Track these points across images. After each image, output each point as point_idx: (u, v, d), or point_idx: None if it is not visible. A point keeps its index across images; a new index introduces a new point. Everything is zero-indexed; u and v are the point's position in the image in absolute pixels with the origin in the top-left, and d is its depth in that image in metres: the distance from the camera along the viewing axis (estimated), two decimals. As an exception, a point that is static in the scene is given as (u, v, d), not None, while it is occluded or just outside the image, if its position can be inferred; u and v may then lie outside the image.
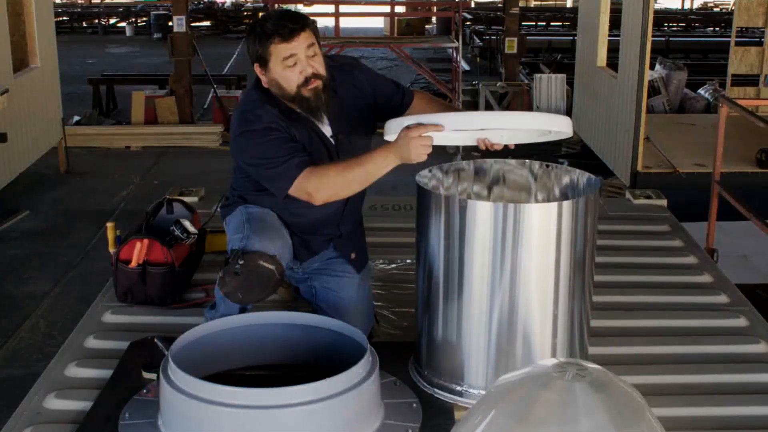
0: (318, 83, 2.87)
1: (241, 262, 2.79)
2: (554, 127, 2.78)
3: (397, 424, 2.60)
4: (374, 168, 2.80)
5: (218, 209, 3.49)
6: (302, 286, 3.32)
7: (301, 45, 2.84)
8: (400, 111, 3.10)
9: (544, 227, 2.67)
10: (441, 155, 9.23)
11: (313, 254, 3.18)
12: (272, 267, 2.82)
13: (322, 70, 2.90)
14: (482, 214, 2.66)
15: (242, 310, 2.99)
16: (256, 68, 2.92)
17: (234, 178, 3.18)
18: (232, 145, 3.00)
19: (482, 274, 2.70)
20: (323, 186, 2.83)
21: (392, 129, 2.78)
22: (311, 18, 2.92)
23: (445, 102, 3.35)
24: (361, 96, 3.07)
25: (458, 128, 2.75)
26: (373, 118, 3.12)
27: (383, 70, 14.22)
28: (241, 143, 2.92)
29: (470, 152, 8.81)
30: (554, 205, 2.68)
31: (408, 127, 2.70)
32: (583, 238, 2.73)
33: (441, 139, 2.74)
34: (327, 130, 3.00)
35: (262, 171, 2.91)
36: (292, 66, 2.84)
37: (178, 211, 3.76)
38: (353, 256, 3.21)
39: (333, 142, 3.01)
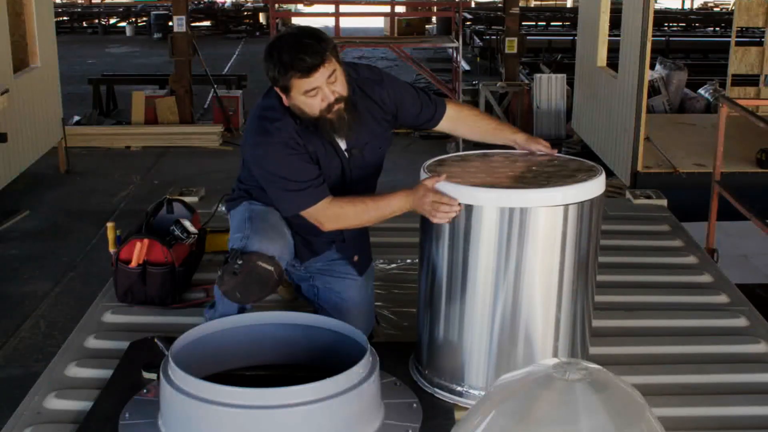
0: (340, 105, 2.83)
1: (239, 263, 2.79)
2: (579, 198, 2.70)
3: (397, 424, 2.60)
4: (390, 213, 2.86)
5: (218, 209, 3.50)
6: (304, 285, 3.32)
7: (321, 78, 2.76)
8: (431, 124, 3.15)
9: (550, 229, 2.66)
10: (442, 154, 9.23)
11: (315, 255, 3.17)
12: (271, 268, 2.82)
13: (344, 91, 2.84)
14: (488, 216, 2.64)
15: (241, 310, 2.98)
16: (277, 90, 2.85)
17: (242, 171, 3.16)
18: (246, 149, 2.95)
19: (486, 275, 2.69)
20: (337, 221, 2.88)
21: (422, 174, 2.81)
22: (328, 41, 2.80)
23: (480, 116, 3.28)
24: (381, 112, 3.03)
25: (474, 204, 2.68)
26: (389, 133, 3.11)
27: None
28: (258, 154, 2.88)
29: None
30: (560, 207, 2.65)
31: (426, 185, 2.71)
32: (587, 239, 2.73)
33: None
34: (342, 143, 2.97)
35: (275, 188, 2.89)
36: (314, 96, 2.79)
37: (178, 211, 3.76)
38: (356, 258, 3.20)
39: (347, 156, 2.99)
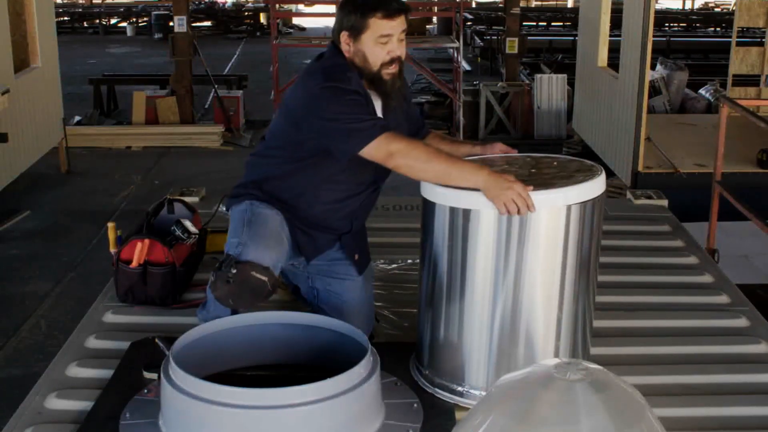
0: (396, 68, 2.91)
1: (233, 271, 2.77)
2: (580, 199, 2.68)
3: (398, 424, 2.60)
4: (458, 174, 2.69)
5: (219, 209, 3.49)
6: (303, 286, 3.32)
7: (399, 26, 2.87)
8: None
9: (551, 230, 2.66)
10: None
11: (319, 252, 3.15)
12: (264, 278, 2.79)
13: (403, 55, 2.94)
14: (488, 218, 2.64)
15: (234, 312, 2.99)
16: (343, 36, 2.90)
17: (258, 157, 3.13)
18: (305, 100, 2.90)
19: (486, 276, 2.69)
20: (407, 155, 2.75)
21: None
22: (407, 5, 2.95)
23: (439, 140, 3.20)
24: (406, 96, 3.13)
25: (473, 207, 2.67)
26: (409, 122, 3.14)
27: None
28: (325, 96, 2.83)
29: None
30: (563, 208, 2.66)
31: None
32: (589, 240, 2.72)
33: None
34: (379, 111, 2.99)
35: (340, 125, 2.81)
36: (384, 44, 2.87)
37: (178, 211, 3.75)
38: (357, 257, 3.20)
39: None
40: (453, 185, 2.69)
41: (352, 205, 3.10)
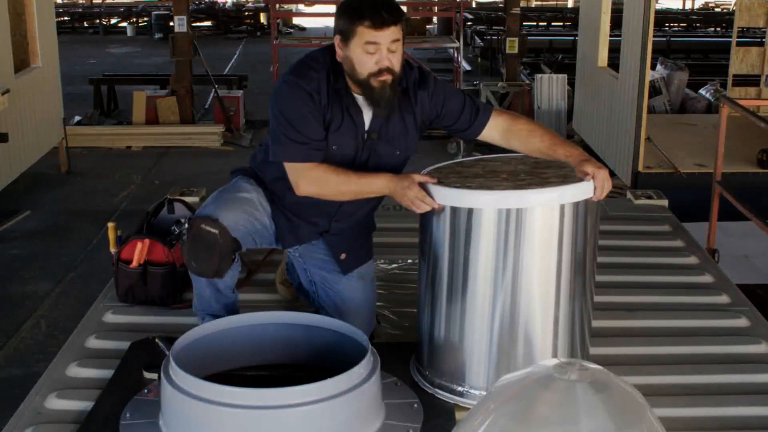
0: (388, 78, 2.82)
1: (186, 227, 2.87)
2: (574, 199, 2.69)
3: (398, 424, 2.60)
4: (369, 191, 2.91)
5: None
6: (303, 279, 3.29)
7: (387, 37, 2.79)
8: (472, 131, 3.05)
9: (546, 229, 2.66)
10: (442, 154, 9.24)
11: (300, 242, 3.14)
12: (215, 231, 2.84)
13: (397, 67, 2.85)
14: (486, 217, 2.65)
15: (217, 292, 3.03)
16: (336, 39, 2.87)
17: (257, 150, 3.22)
18: (276, 83, 3.01)
19: (485, 275, 2.70)
20: (317, 184, 2.89)
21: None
22: (404, 14, 2.88)
23: (534, 132, 2.99)
24: (412, 118, 3.00)
25: (458, 206, 2.71)
26: (412, 143, 3.05)
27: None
28: (282, 90, 2.89)
29: (471, 152, 8.80)
30: (556, 207, 2.66)
31: (418, 182, 2.75)
32: (584, 239, 2.73)
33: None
34: (366, 121, 2.94)
35: (278, 129, 2.87)
36: (372, 54, 2.81)
37: (179, 211, 3.76)
38: (343, 256, 3.16)
39: (365, 137, 2.95)
40: (365, 196, 2.93)
41: (328, 207, 3.04)
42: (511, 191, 2.68)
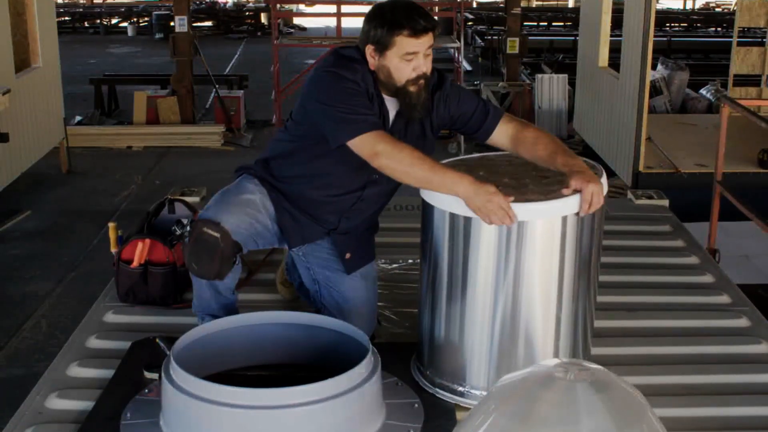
0: (423, 82, 2.87)
1: (188, 230, 2.88)
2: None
3: (398, 424, 2.60)
4: (440, 182, 2.68)
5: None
6: (305, 278, 3.29)
7: (424, 44, 2.83)
8: (482, 134, 3.03)
9: (548, 231, 2.66)
10: (442, 154, 9.24)
11: (306, 241, 3.13)
12: (216, 234, 2.85)
13: (429, 71, 2.89)
14: (487, 226, 2.63)
15: (217, 293, 3.03)
16: (368, 49, 2.86)
17: (278, 133, 3.17)
18: (310, 80, 2.93)
19: (486, 276, 2.69)
20: (391, 156, 2.72)
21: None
22: (435, 19, 2.91)
23: (538, 140, 2.94)
24: (432, 116, 3.01)
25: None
26: (432, 142, 3.05)
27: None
28: (324, 79, 2.86)
29: (472, 151, 8.80)
30: (558, 219, 2.65)
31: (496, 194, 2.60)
32: (588, 242, 2.73)
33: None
34: (390, 118, 2.96)
35: (332, 112, 2.81)
36: (410, 61, 2.83)
37: (179, 211, 3.76)
38: (348, 255, 3.16)
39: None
40: (432, 189, 2.71)
41: (343, 204, 3.07)
42: (518, 204, 2.64)
